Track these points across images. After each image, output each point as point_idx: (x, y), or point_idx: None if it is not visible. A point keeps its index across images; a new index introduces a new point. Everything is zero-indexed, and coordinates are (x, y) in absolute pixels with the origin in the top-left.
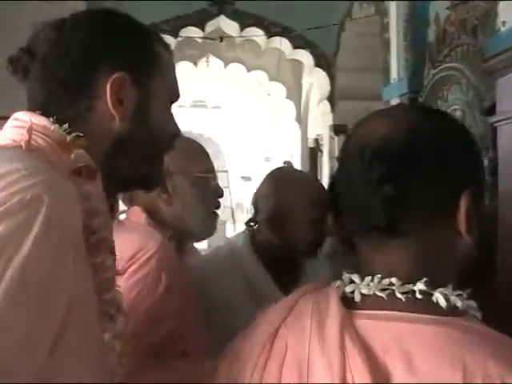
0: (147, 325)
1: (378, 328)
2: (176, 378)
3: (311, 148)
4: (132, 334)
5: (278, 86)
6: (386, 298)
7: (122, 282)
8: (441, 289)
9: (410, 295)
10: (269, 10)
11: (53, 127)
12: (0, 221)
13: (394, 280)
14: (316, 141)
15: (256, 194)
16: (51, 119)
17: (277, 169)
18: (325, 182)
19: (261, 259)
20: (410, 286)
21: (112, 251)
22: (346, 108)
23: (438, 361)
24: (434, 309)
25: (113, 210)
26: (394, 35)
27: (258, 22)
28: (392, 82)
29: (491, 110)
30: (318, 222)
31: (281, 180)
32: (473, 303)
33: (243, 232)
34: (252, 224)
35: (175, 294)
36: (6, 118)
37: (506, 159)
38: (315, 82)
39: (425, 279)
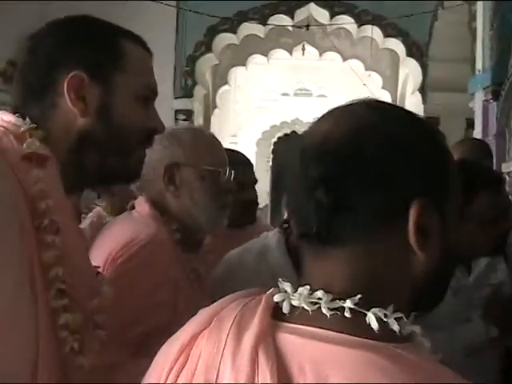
0: (135, 316)
1: (298, 345)
2: None
3: None
4: (120, 323)
5: (374, 75)
6: (311, 312)
7: (112, 270)
8: (375, 309)
9: (338, 313)
10: None
11: (13, 120)
12: None
13: (320, 294)
14: None
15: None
16: (21, 118)
17: None
18: None
19: (293, 262)
20: (339, 303)
21: (59, 230)
22: (437, 100)
23: None
24: (365, 331)
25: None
26: (481, 24)
27: (349, 10)
28: (477, 73)
29: None
30: None
31: None
32: (417, 328)
33: (278, 231)
34: (286, 225)
35: (166, 288)
36: None
37: None
38: (409, 72)
39: (358, 296)
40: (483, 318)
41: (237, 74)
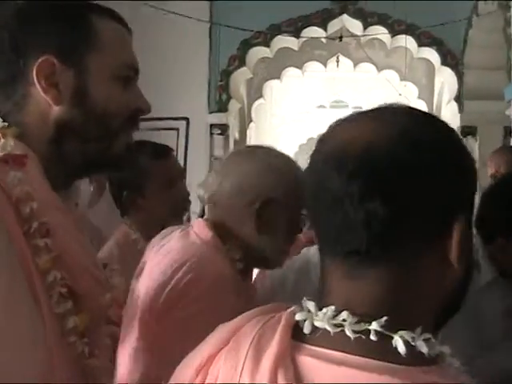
0: None
1: (319, 370)
2: None
3: None
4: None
5: (409, 85)
6: (333, 334)
7: (174, 314)
8: (403, 332)
9: (364, 336)
10: (392, 8)
11: None
12: None
13: (345, 315)
14: None
15: None
16: None
17: None
18: None
19: None
20: (365, 325)
21: (49, 232)
22: (474, 108)
23: None
24: (391, 355)
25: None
26: None
27: (382, 20)
28: None
29: None
30: None
31: None
32: (446, 349)
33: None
34: None
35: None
36: None
37: None
38: (445, 81)
39: (385, 318)
40: None
41: (272, 87)
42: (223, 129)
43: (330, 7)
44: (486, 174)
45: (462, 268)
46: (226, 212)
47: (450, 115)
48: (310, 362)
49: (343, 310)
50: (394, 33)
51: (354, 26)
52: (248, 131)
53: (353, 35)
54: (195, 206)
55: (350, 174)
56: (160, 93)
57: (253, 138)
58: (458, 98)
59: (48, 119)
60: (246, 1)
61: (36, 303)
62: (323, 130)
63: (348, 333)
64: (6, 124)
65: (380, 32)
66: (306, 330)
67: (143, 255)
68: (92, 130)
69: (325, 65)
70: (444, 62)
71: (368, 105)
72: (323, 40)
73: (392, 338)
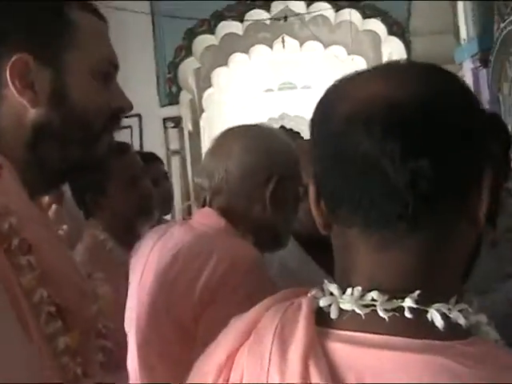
0: None
1: (353, 355)
2: None
3: None
4: None
5: (357, 58)
6: (364, 316)
7: (212, 309)
8: (438, 304)
9: (397, 314)
10: None
11: None
12: None
13: (375, 295)
14: None
15: None
16: None
17: None
18: None
19: (304, 248)
20: (397, 302)
21: (31, 248)
22: None
23: None
24: (427, 331)
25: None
26: None
27: None
28: (462, 43)
29: None
30: None
31: None
32: (483, 318)
33: None
34: None
35: None
36: None
37: None
38: (392, 50)
39: (417, 292)
40: None
41: (220, 75)
42: (177, 121)
43: None
44: None
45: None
46: (235, 196)
47: None
48: (342, 348)
49: (372, 290)
50: (337, 8)
51: (297, 4)
52: (201, 122)
53: (297, 14)
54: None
55: (385, 134)
56: None
57: (206, 129)
58: None
59: (24, 123)
60: None
61: (23, 326)
62: (273, 113)
63: (381, 313)
64: None
65: (324, 8)
66: (333, 314)
67: (116, 256)
68: (72, 132)
69: (271, 47)
70: (390, 32)
71: (317, 83)
72: (267, 22)
73: (426, 311)
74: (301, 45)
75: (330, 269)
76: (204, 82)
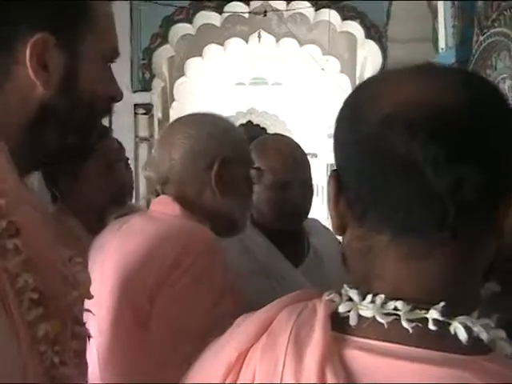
0: (205, 334)
1: (372, 364)
2: None
3: None
4: (192, 342)
5: (331, 59)
6: (387, 326)
7: (167, 288)
8: (461, 317)
9: (420, 325)
10: None
11: None
12: None
13: (399, 304)
14: None
15: None
16: None
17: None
18: None
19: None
20: (421, 313)
21: (19, 232)
22: None
23: None
24: (449, 344)
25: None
26: (441, 2)
27: None
28: (440, 51)
29: None
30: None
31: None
32: (502, 333)
33: None
34: None
35: (228, 296)
36: None
37: None
38: (368, 54)
39: (442, 304)
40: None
41: (193, 64)
42: (147, 108)
43: None
44: None
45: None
46: (183, 184)
47: None
48: (360, 356)
49: (394, 298)
50: (317, 7)
51: (277, 0)
52: (171, 110)
53: (276, 10)
54: None
55: (430, 137)
56: None
57: (175, 117)
58: (383, 71)
59: (29, 104)
60: None
61: (6, 310)
62: (242, 107)
63: (404, 324)
64: None
65: (303, 6)
66: (353, 321)
67: (85, 244)
68: (76, 119)
69: (246, 41)
70: (367, 36)
71: (288, 81)
72: (245, 15)
73: (449, 324)
74: (277, 41)
75: (292, 260)
76: (177, 71)
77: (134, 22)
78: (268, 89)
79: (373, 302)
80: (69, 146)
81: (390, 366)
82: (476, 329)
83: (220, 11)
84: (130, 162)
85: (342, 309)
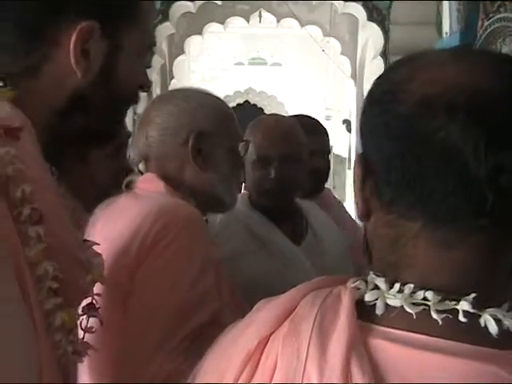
0: (185, 311)
1: (399, 355)
2: None
3: None
4: (169, 320)
5: (332, 41)
6: (415, 316)
7: (146, 265)
8: (492, 309)
9: (450, 316)
10: None
11: None
12: None
13: (429, 294)
14: None
15: None
16: None
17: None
18: None
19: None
20: (451, 304)
21: (42, 219)
22: None
23: None
24: (480, 336)
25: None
26: None
27: None
28: (444, 36)
29: None
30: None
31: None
32: None
33: (241, 194)
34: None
35: (210, 272)
36: None
37: None
38: (370, 36)
39: (473, 295)
40: None
41: (193, 43)
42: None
43: None
44: None
45: None
46: (163, 161)
47: (377, 71)
48: (387, 347)
49: (423, 288)
50: None
51: None
52: (169, 88)
53: None
54: None
55: (471, 121)
56: None
57: None
58: (384, 54)
59: (64, 88)
60: None
61: (25, 298)
62: (240, 86)
63: (434, 315)
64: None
65: None
66: (379, 310)
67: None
68: (106, 106)
69: (247, 20)
70: (370, 18)
71: (287, 61)
72: None
73: (479, 316)
74: (278, 21)
75: (291, 240)
76: (177, 49)
77: None
78: (267, 69)
79: (401, 291)
80: (96, 133)
81: (417, 357)
82: (507, 322)
83: None
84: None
85: (368, 297)
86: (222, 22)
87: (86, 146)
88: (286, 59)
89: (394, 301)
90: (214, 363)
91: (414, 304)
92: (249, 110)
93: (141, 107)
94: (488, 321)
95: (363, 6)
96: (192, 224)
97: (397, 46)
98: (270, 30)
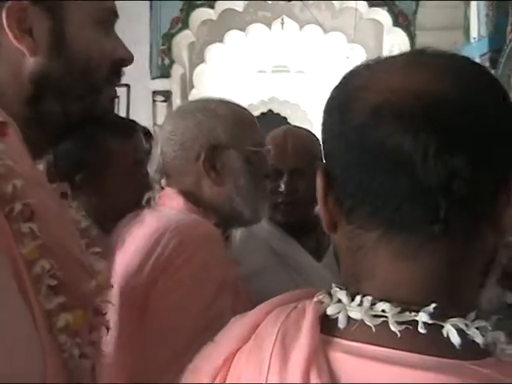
0: (197, 333)
1: (358, 368)
2: None
3: None
4: (183, 336)
5: (356, 47)
6: (375, 328)
7: (161, 283)
8: (454, 319)
9: (410, 327)
10: None
11: None
12: None
13: (386, 307)
14: None
15: None
16: None
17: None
18: None
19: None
20: (411, 315)
21: (34, 215)
22: None
23: None
24: (441, 348)
25: None
26: None
27: None
28: (472, 41)
29: None
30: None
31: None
32: (501, 336)
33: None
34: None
35: (228, 291)
36: None
37: None
38: (395, 42)
39: (433, 305)
40: (500, 283)
41: (214, 51)
42: (166, 95)
43: None
44: None
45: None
46: (181, 177)
47: None
48: (347, 360)
49: (383, 299)
50: None
51: None
52: (190, 98)
53: None
54: None
55: (420, 128)
56: None
57: None
58: None
59: (21, 74)
60: None
61: (24, 297)
62: (263, 95)
63: (392, 327)
64: None
65: None
66: (341, 323)
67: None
68: (74, 85)
69: (269, 27)
70: (395, 23)
71: (311, 69)
72: (268, 1)
73: (442, 326)
74: (300, 28)
75: (313, 253)
76: (197, 57)
77: (153, 7)
78: (290, 77)
79: (361, 303)
80: (74, 114)
81: (377, 370)
82: (470, 332)
83: None
84: None
85: (330, 311)
86: (244, 30)
87: (72, 131)
88: (310, 67)
89: (355, 313)
90: (190, 378)
91: (374, 316)
92: (273, 119)
93: (161, 118)
94: (450, 331)
95: (388, 11)
96: (208, 243)
97: None
98: (292, 37)
